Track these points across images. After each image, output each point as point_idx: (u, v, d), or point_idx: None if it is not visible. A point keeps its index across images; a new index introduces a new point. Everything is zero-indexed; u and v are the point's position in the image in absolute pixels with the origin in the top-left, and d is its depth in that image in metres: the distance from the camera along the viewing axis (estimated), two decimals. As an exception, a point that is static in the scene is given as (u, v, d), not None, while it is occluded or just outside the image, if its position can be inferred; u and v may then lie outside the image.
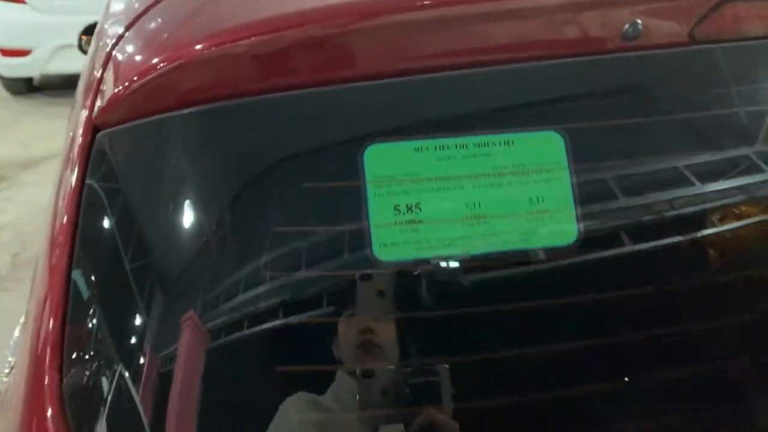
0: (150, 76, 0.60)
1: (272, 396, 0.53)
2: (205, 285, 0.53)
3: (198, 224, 0.55)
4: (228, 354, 0.53)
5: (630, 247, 0.54)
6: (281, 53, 0.57)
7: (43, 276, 0.60)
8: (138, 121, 0.59)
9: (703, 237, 0.56)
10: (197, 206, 0.56)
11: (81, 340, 0.55)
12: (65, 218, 0.57)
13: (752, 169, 0.59)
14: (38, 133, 4.42)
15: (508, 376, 0.55)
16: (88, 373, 0.55)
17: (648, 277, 0.55)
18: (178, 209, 0.55)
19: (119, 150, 0.59)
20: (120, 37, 0.67)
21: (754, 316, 0.57)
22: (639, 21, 0.58)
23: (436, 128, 0.55)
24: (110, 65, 0.64)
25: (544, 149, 0.55)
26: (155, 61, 0.61)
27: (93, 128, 0.59)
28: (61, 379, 0.55)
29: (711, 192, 0.57)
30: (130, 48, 0.67)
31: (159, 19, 0.72)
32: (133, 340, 0.53)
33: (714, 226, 0.55)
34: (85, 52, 2.19)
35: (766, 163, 0.59)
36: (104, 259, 0.57)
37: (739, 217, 0.56)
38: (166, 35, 0.68)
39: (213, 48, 0.59)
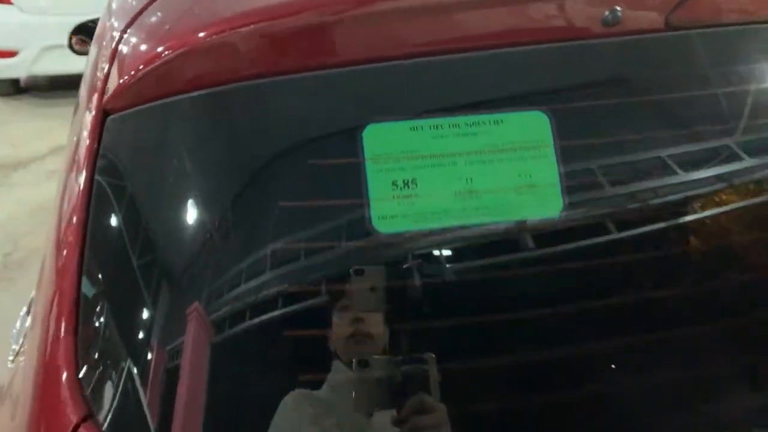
0: (155, 64, 0.63)
1: (276, 383, 0.56)
2: (219, 260, 0.56)
3: (205, 198, 0.58)
4: (247, 330, 0.55)
5: (612, 219, 0.58)
6: (280, 39, 0.61)
7: (56, 252, 0.63)
8: (145, 106, 0.62)
9: (677, 208, 0.60)
10: (204, 182, 0.59)
11: (97, 317, 0.58)
12: (78, 196, 0.60)
13: (726, 146, 0.63)
14: (26, 134, 4.41)
15: (498, 350, 0.58)
16: (105, 366, 0.57)
17: (630, 244, 0.59)
18: (184, 186, 0.58)
19: (128, 132, 0.62)
20: (126, 29, 0.70)
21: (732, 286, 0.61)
22: (618, 8, 0.62)
23: (430, 109, 0.59)
24: (118, 55, 0.67)
25: (531, 128, 0.59)
26: (160, 49, 0.64)
27: (103, 113, 0.63)
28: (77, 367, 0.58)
29: (684, 169, 0.61)
30: (136, 39, 0.70)
31: (162, 11, 0.75)
32: (155, 323, 0.56)
33: (687, 198, 0.60)
34: (75, 51, 2.20)
35: (738, 141, 0.64)
36: (117, 237, 0.59)
37: (711, 187, 0.60)
38: (168, 26, 0.71)
39: (214, 36, 0.62)
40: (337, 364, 0.55)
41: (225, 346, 0.55)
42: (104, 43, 0.72)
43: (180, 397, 0.55)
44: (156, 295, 0.57)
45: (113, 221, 0.59)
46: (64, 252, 0.60)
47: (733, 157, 0.61)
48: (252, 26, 0.62)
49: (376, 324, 0.55)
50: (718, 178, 0.60)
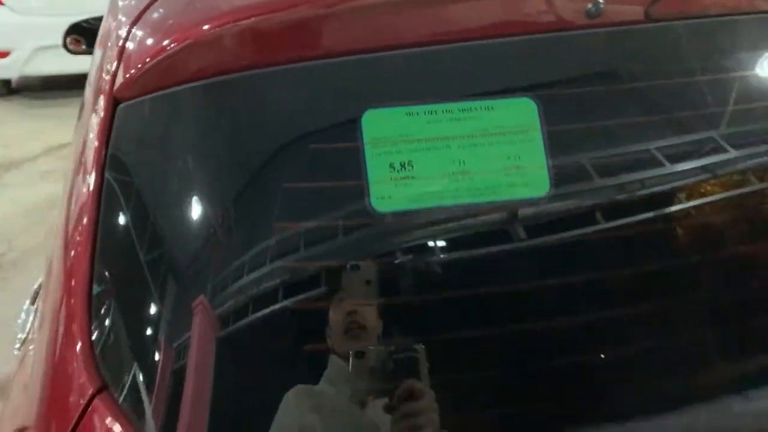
0: (163, 55, 0.67)
1: (287, 358, 0.59)
2: (231, 237, 0.59)
3: (212, 179, 0.62)
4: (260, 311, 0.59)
5: (596, 196, 0.62)
6: (281, 31, 0.64)
7: (67, 229, 0.66)
8: (153, 94, 0.65)
9: (657, 186, 0.64)
10: (210, 163, 0.63)
11: (111, 290, 0.61)
12: (91, 181, 0.63)
13: (703, 128, 0.67)
14: (19, 135, 4.41)
15: (491, 322, 0.62)
16: (119, 339, 0.60)
17: (613, 220, 0.63)
18: (193, 164, 0.62)
19: (138, 118, 0.65)
20: (135, 22, 0.73)
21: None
22: (600, 1, 0.66)
23: (425, 95, 0.62)
24: (127, 48, 0.70)
25: (520, 113, 0.63)
26: (166, 42, 0.68)
27: (114, 101, 0.66)
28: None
29: (662, 152, 0.66)
30: (144, 32, 0.73)
31: (166, 7, 0.78)
32: (170, 297, 0.60)
33: (665, 175, 0.64)
34: (69, 50, 2.22)
35: (715, 127, 0.68)
36: (130, 211, 0.63)
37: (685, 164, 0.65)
38: (174, 20, 0.75)
39: (216, 28, 0.65)
40: (333, 357, 0.58)
41: (238, 321, 0.59)
42: (112, 37, 0.76)
43: (192, 370, 0.59)
44: (169, 272, 0.61)
45: (126, 199, 0.63)
46: (78, 228, 0.63)
47: (711, 141, 0.65)
48: (253, 18, 0.65)
49: (372, 314, 0.59)
50: (698, 155, 0.65)
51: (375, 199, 0.60)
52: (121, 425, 0.59)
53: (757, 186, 0.66)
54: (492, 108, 0.63)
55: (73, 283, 0.62)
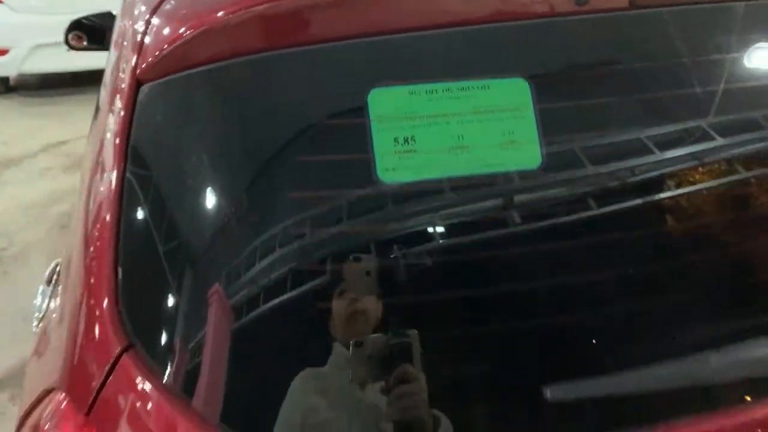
0: (180, 41, 0.72)
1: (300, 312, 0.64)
2: (254, 202, 0.65)
3: (231, 154, 0.67)
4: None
5: (583, 168, 0.68)
6: (294, 15, 0.69)
7: (90, 198, 0.71)
8: (172, 76, 0.71)
9: (639, 157, 0.70)
10: (228, 140, 0.68)
11: (137, 250, 0.66)
12: (117, 146, 0.68)
13: (683, 108, 0.73)
14: (17, 132, 4.44)
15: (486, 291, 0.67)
16: (145, 298, 0.65)
17: (599, 189, 0.69)
18: (210, 137, 0.67)
19: (159, 98, 0.71)
20: (153, 13, 0.78)
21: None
22: (588, -10, 0.72)
23: (426, 76, 0.68)
24: (147, 36, 0.75)
25: (513, 93, 0.68)
26: (183, 29, 0.73)
27: (137, 83, 0.71)
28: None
29: (642, 124, 0.71)
30: (161, 21, 0.78)
31: None
32: (193, 258, 0.64)
33: (646, 148, 0.69)
34: (71, 46, 2.26)
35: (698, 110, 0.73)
36: (156, 175, 0.68)
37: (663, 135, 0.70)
38: (187, 10, 0.80)
39: (231, 14, 0.71)
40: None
41: (259, 283, 0.64)
42: (132, 27, 0.81)
43: (213, 330, 0.64)
44: (193, 234, 0.66)
45: (150, 161, 0.68)
46: (102, 191, 0.68)
47: (691, 114, 0.71)
48: (264, 5, 0.70)
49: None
50: (677, 126, 0.70)
51: (381, 171, 0.65)
52: (149, 381, 0.64)
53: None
54: (488, 87, 0.68)
55: (98, 244, 0.67)
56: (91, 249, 0.70)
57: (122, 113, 0.70)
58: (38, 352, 0.90)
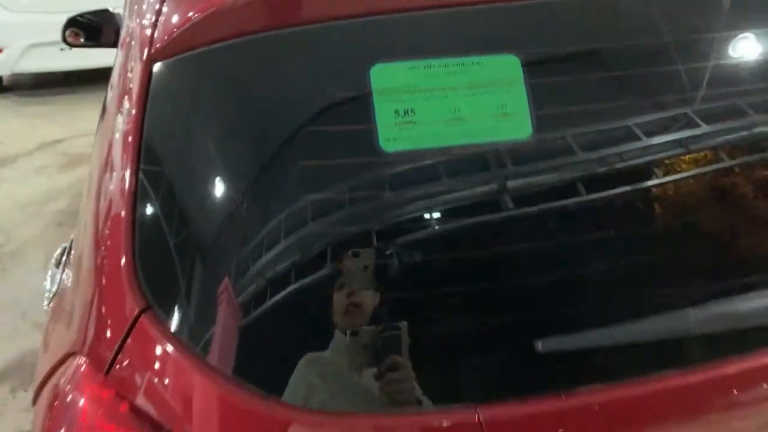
0: (190, 23, 0.76)
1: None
2: (268, 172, 0.69)
3: (245, 126, 0.71)
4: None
5: (571, 135, 0.73)
6: None
7: (107, 162, 0.75)
8: (185, 54, 0.75)
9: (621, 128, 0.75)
10: (241, 113, 0.72)
11: (153, 213, 0.70)
12: (133, 114, 0.73)
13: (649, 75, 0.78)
14: (12, 131, 4.45)
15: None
16: (161, 260, 0.69)
17: (585, 156, 0.74)
18: (225, 111, 0.71)
19: (172, 75, 0.75)
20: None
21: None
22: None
23: (425, 52, 0.72)
24: (159, 19, 0.79)
25: (506, 68, 0.73)
26: (191, 13, 0.77)
27: (151, 61, 0.75)
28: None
29: (628, 104, 0.76)
30: (172, 5, 0.82)
31: None
32: (209, 220, 0.68)
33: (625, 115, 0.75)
34: (68, 43, 2.29)
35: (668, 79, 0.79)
36: (173, 141, 0.72)
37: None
38: None
39: None
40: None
41: (274, 248, 0.68)
42: (144, 9, 0.85)
43: (229, 292, 0.68)
44: (208, 198, 0.70)
45: (165, 135, 0.73)
46: (119, 158, 0.72)
47: (671, 86, 0.76)
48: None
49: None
50: (659, 104, 0.75)
51: (383, 141, 0.70)
52: (167, 340, 0.67)
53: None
54: (482, 63, 0.73)
55: (114, 208, 0.71)
56: (107, 212, 0.74)
57: (137, 91, 0.74)
58: (52, 325, 0.93)
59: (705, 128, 0.74)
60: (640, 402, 0.69)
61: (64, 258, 1.12)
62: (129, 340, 0.69)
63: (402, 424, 0.66)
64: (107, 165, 0.76)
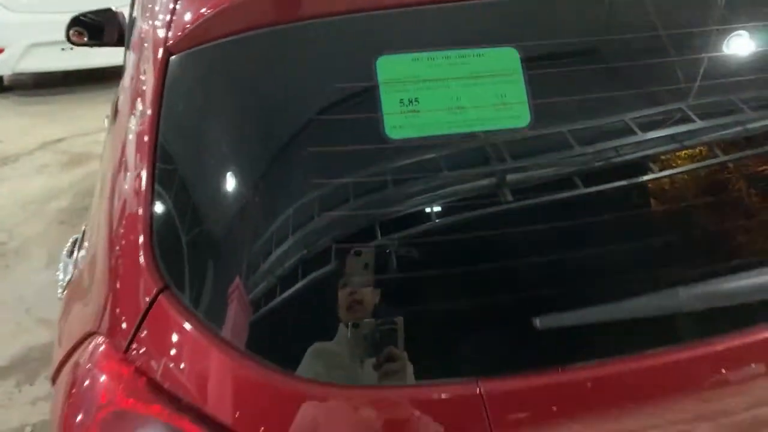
0: (203, 19, 0.80)
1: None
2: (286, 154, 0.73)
3: (260, 115, 0.75)
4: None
5: (567, 124, 0.77)
6: None
7: (124, 149, 0.78)
8: (199, 47, 0.79)
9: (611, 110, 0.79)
10: (253, 102, 0.76)
11: (171, 194, 0.74)
12: (149, 119, 0.76)
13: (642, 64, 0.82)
14: (14, 130, 4.48)
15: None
16: (179, 241, 0.72)
17: (581, 142, 0.77)
18: (242, 99, 0.75)
19: (188, 66, 0.79)
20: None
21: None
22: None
23: (428, 45, 0.76)
24: (175, 15, 0.83)
25: (505, 60, 0.77)
26: (204, 9, 0.81)
27: (167, 53, 0.79)
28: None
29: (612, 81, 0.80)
30: (185, 3, 0.86)
31: None
32: (226, 203, 0.71)
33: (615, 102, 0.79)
34: (72, 42, 2.33)
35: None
36: (189, 120, 0.76)
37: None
38: None
39: None
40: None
41: (288, 231, 0.72)
42: (157, 9, 0.88)
43: (245, 273, 0.71)
44: (225, 179, 0.74)
45: (182, 122, 0.77)
46: (135, 144, 0.76)
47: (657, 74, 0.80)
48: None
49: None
50: (651, 89, 0.80)
51: (388, 128, 0.73)
52: (186, 319, 0.71)
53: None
54: (483, 55, 0.77)
55: (132, 191, 0.75)
56: (124, 192, 0.77)
57: (153, 82, 0.78)
58: (68, 310, 0.96)
59: (699, 111, 0.78)
60: (634, 377, 0.73)
61: (76, 248, 1.15)
62: (147, 319, 0.73)
63: (406, 396, 0.70)
64: (124, 152, 0.79)
